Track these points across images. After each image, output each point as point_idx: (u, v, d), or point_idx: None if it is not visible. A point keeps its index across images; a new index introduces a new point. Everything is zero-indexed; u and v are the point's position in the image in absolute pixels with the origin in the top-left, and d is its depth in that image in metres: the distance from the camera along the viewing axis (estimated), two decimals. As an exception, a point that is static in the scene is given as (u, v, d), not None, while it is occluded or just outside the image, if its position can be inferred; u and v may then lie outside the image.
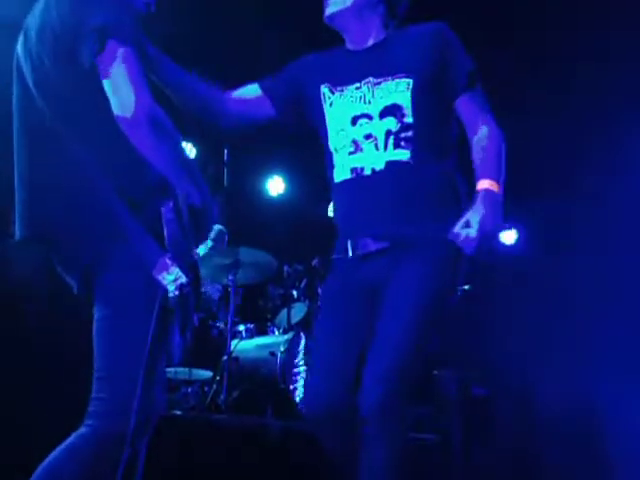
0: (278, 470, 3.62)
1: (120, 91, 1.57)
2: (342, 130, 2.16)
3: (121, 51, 1.57)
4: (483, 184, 2.06)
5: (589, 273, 5.33)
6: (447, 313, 2.15)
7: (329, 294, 2.28)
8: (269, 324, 5.62)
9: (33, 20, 1.74)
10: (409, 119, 2.08)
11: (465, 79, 2.12)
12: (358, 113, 2.14)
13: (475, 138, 2.14)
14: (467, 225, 1.97)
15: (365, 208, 2.13)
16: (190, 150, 7.18)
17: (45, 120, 1.69)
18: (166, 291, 1.70)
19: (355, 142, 2.13)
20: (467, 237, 1.96)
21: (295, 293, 5.77)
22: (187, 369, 4.42)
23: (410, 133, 2.08)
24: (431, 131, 2.12)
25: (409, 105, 2.08)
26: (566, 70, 5.27)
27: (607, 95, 5.30)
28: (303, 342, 5.23)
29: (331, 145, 2.21)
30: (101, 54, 1.57)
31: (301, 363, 5.13)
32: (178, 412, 3.95)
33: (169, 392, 4.50)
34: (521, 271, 7.37)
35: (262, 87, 2.31)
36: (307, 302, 5.74)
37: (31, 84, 1.73)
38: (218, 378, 4.77)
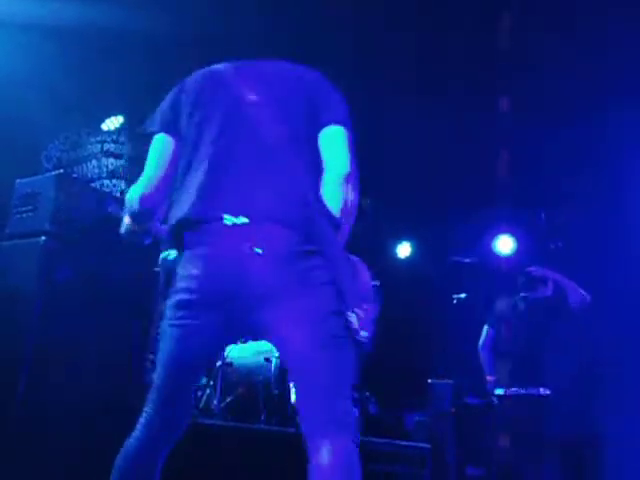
0: (271, 475, 3.60)
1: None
2: None
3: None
4: None
5: (586, 281, 5.33)
6: None
7: None
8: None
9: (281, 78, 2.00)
10: None
11: None
12: None
13: None
14: None
15: None
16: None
17: None
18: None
19: None
20: None
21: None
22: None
23: None
24: None
25: None
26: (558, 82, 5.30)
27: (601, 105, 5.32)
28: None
29: None
30: None
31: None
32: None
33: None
34: (517, 280, 7.35)
35: None
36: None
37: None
38: (212, 383, 4.75)
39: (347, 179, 1.85)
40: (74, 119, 7.33)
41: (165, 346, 1.84)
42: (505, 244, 7.61)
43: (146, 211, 1.94)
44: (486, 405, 6.48)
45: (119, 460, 1.82)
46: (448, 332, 7.47)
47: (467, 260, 7.91)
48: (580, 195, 5.96)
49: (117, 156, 7.58)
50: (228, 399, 4.76)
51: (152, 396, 1.87)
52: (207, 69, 2.07)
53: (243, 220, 1.73)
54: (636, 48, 4.84)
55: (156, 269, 3.15)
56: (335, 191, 1.82)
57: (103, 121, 7.16)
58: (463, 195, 6.96)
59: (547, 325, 4.75)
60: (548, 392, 4.66)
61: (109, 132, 7.45)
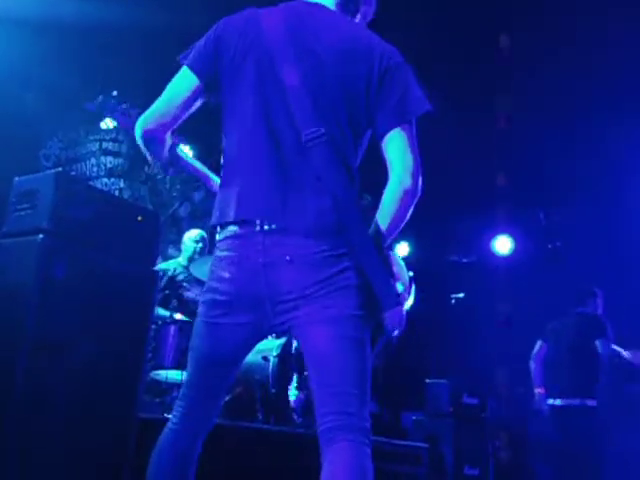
0: (269, 473, 3.60)
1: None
2: None
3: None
4: None
5: (585, 281, 5.35)
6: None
7: None
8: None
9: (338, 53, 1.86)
10: None
11: None
12: None
13: None
14: None
15: None
16: (187, 152, 7.19)
17: None
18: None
19: None
20: None
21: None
22: (179, 372, 4.40)
23: None
24: None
25: None
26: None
27: (601, 109, 5.34)
28: (295, 347, 5.21)
29: None
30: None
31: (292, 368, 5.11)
32: (169, 415, 3.92)
33: (161, 395, 4.48)
34: (516, 281, 7.36)
35: None
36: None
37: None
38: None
39: (405, 193, 1.83)
40: (73, 117, 7.33)
41: (198, 343, 1.88)
42: (503, 244, 7.62)
43: (149, 145, 1.97)
44: (483, 404, 6.49)
45: (154, 454, 1.90)
46: (446, 331, 7.48)
47: (465, 260, 7.93)
48: (579, 195, 5.96)
49: (115, 154, 7.58)
50: (226, 398, 4.76)
51: (185, 390, 1.92)
52: (256, 16, 1.93)
53: (274, 227, 1.77)
54: (636, 48, 4.85)
55: (155, 268, 3.15)
56: (390, 205, 1.84)
57: (102, 119, 7.16)
58: (462, 195, 6.96)
59: (590, 339, 4.92)
60: (594, 403, 4.86)
61: (107, 130, 7.46)
